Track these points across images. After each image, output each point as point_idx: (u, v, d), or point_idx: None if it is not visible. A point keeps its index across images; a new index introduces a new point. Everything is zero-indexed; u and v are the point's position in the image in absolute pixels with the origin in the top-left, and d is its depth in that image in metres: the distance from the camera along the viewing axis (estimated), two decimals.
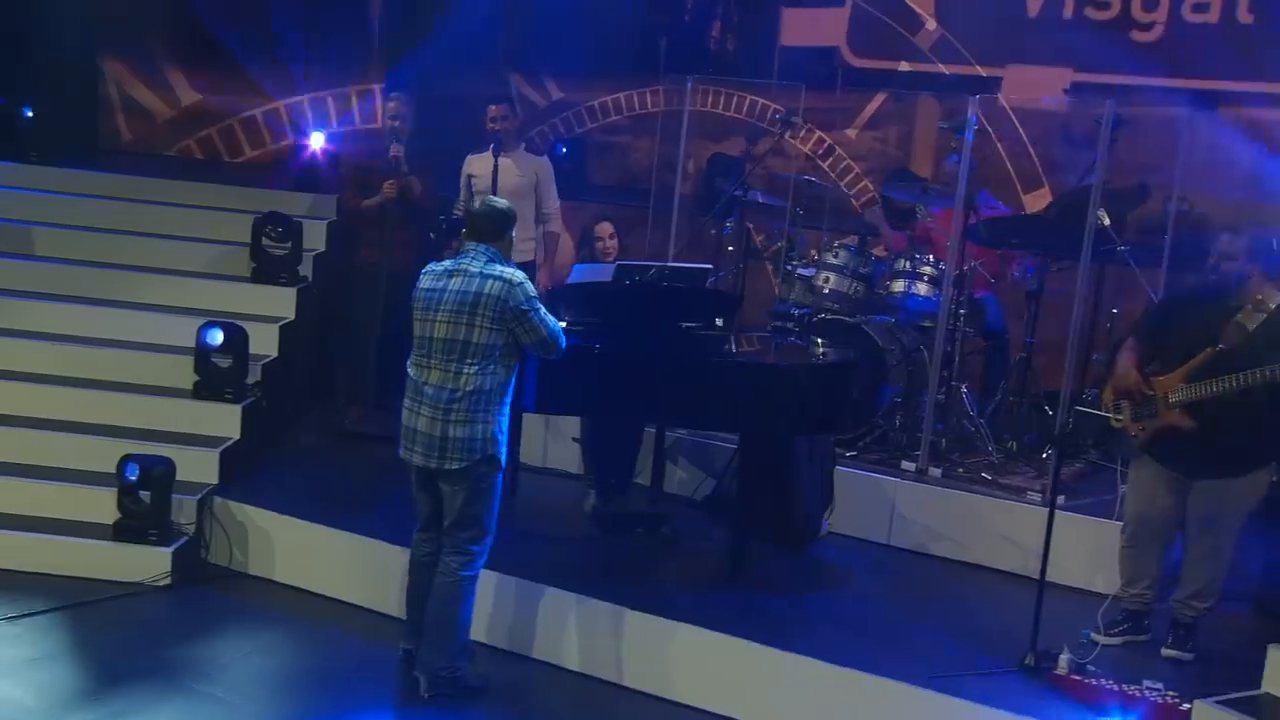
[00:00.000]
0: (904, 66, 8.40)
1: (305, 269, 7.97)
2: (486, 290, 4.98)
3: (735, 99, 8.57)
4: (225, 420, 6.85)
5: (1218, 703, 4.68)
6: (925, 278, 7.24)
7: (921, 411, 7.09)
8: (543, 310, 5.08)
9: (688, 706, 5.36)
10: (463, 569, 5.15)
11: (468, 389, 4.98)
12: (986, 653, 5.33)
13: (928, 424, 6.88)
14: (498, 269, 5.03)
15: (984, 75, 7.97)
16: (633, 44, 8.63)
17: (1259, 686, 4.79)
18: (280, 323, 7.54)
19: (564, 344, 5.16)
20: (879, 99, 8.52)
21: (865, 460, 7.02)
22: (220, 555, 6.36)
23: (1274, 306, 5.27)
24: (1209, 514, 5.39)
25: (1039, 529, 6.19)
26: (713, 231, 8.04)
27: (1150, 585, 5.59)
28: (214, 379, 6.93)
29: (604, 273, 6.44)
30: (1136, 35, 7.86)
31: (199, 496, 6.39)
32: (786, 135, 7.57)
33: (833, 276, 7.49)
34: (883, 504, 6.77)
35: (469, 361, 4.99)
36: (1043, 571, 5.25)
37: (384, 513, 6.28)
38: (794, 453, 6.50)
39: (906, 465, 6.90)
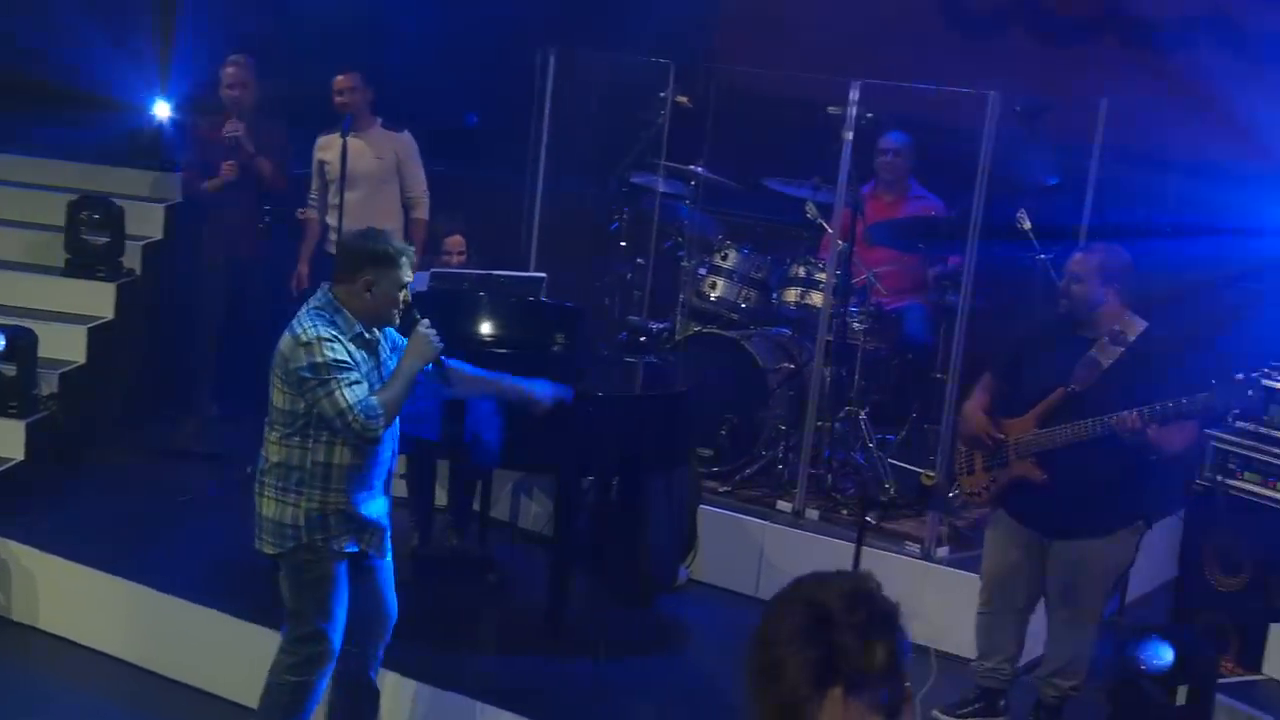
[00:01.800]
0: None
1: (133, 261, 8.07)
2: (280, 346, 4.65)
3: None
4: (5, 439, 6.95)
5: None
6: (822, 285, 7.20)
7: (814, 440, 7.07)
8: (336, 381, 4.53)
9: None
10: (288, 671, 4.84)
11: (272, 460, 4.72)
12: None
13: (804, 459, 6.85)
14: (302, 321, 4.61)
15: None
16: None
17: None
18: (92, 324, 7.63)
19: (371, 426, 4.56)
20: None
21: (738, 498, 7.01)
22: None
23: (1133, 339, 5.19)
24: (1068, 579, 5.31)
25: (919, 585, 6.27)
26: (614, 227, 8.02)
27: (1008, 659, 5.52)
28: None
29: (416, 281, 6.44)
30: None
31: None
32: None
33: (720, 282, 7.49)
34: (750, 550, 6.76)
35: (274, 428, 4.71)
36: None
37: (181, 555, 6.36)
38: (646, 489, 6.51)
39: (783, 505, 6.89)
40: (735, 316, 7.54)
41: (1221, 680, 4.95)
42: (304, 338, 4.58)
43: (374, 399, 4.59)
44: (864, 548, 6.37)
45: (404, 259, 4.71)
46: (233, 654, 5.78)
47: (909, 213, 7.42)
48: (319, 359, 4.55)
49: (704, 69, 7.25)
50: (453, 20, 8.49)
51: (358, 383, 4.58)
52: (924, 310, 7.52)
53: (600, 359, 6.64)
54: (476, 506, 6.82)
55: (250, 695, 5.11)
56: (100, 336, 7.63)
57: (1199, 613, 5.87)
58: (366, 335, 4.71)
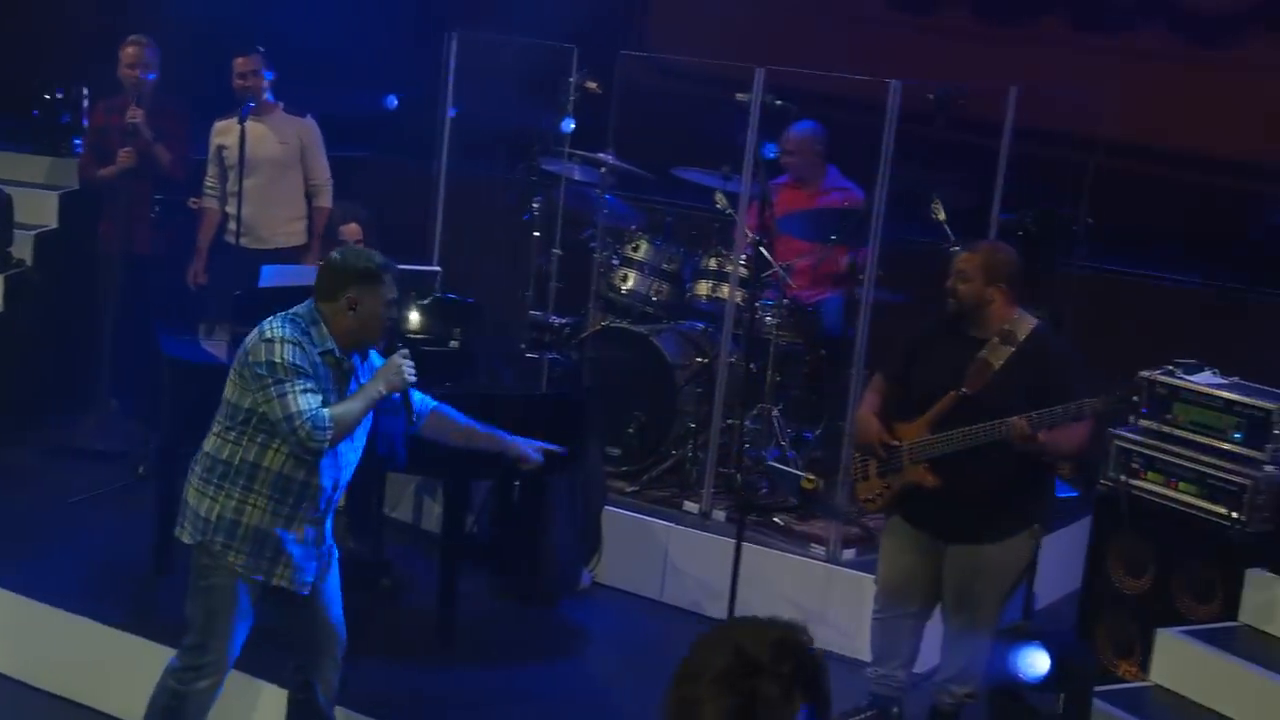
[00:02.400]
0: None
1: (23, 251, 8.12)
2: (246, 339, 4.72)
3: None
4: None
5: None
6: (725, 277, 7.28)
7: (722, 440, 7.18)
8: (291, 385, 4.55)
9: None
10: (172, 676, 4.88)
11: (205, 449, 4.78)
12: None
13: (711, 458, 6.96)
14: (274, 321, 4.67)
15: None
16: None
17: None
18: None
19: (316, 440, 4.57)
20: None
21: (646, 499, 7.12)
22: None
23: (1023, 339, 5.30)
24: (963, 584, 5.41)
25: (824, 589, 6.40)
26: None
27: (901, 666, 5.63)
28: None
29: (303, 275, 6.52)
30: None
31: None
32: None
33: (631, 274, 7.58)
34: (655, 553, 6.87)
35: (218, 419, 4.78)
36: None
37: (64, 562, 6.40)
38: (547, 491, 6.61)
39: (690, 506, 7.00)
40: (650, 310, 7.63)
41: (1103, 688, 5.08)
42: (268, 334, 4.63)
43: (326, 411, 4.59)
44: (769, 550, 6.61)
45: (387, 275, 4.70)
46: (113, 668, 5.84)
47: (824, 204, 7.52)
48: (277, 359, 4.58)
49: (611, 55, 7.28)
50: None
51: (312, 391, 4.60)
52: (842, 303, 7.62)
53: (498, 356, 6.71)
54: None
55: (132, 709, 5.19)
56: None
57: (1104, 616, 6.00)
58: (337, 354, 4.70)
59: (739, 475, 7.02)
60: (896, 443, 5.44)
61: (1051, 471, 5.56)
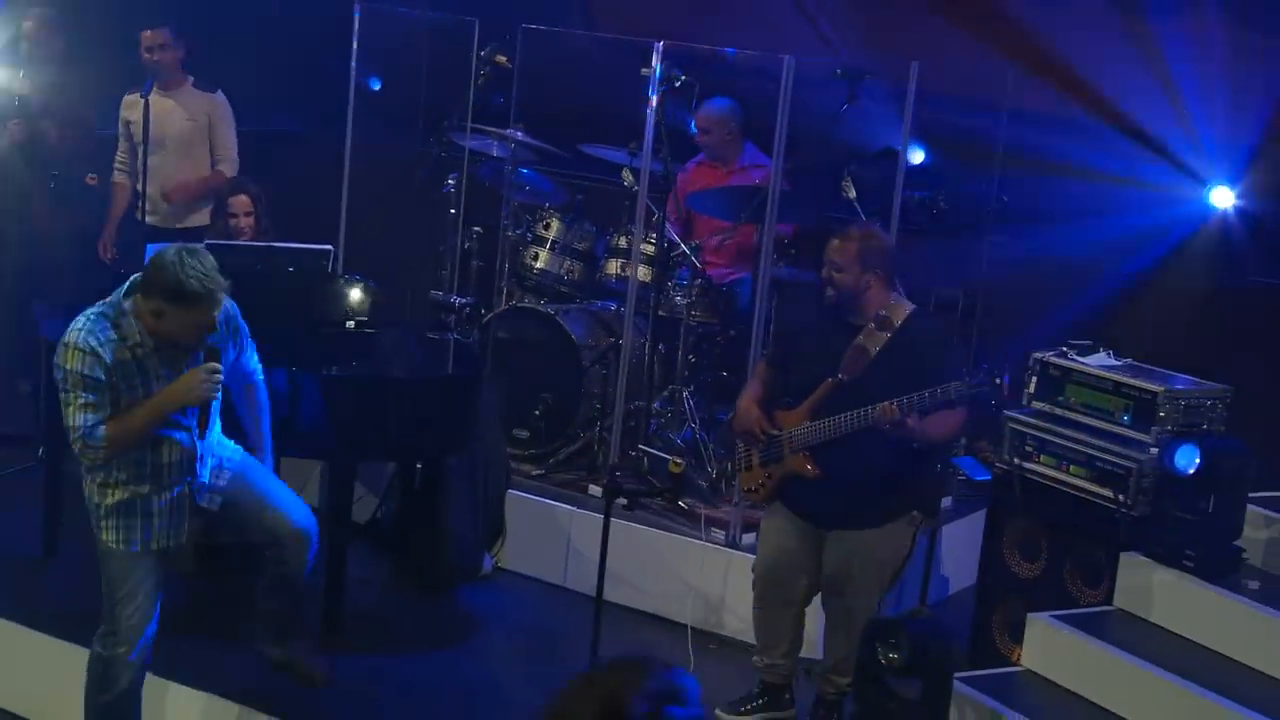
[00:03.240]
0: None
1: None
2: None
3: None
4: None
5: None
6: (645, 257, 7.51)
7: (633, 422, 7.43)
8: (76, 395, 4.78)
9: None
10: (97, 642, 5.23)
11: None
12: None
13: (615, 441, 7.20)
14: (76, 321, 4.86)
15: None
16: None
17: None
18: None
19: (88, 454, 4.88)
20: None
21: (552, 482, 7.36)
22: None
23: (899, 324, 5.53)
24: (841, 572, 5.64)
25: (724, 573, 6.65)
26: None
27: (787, 653, 5.88)
28: None
29: None
30: None
31: None
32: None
33: (542, 253, 7.82)
34: (559, 538, 7.12)
35: None
36: (596, 636, 5.53)
37: None
38: (445, 472, 6.85)
39: (595, 490, 7.23)
40: (564, 290, 7.87)
41: (970, 674, 5.33)
42: (66, 339, 4.83)
43: (102, 429, 4.81)
44: (670, 535, 6.86)
45: (207, 303, 4.77)
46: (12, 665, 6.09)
47: (738, 181, 7.74)
48: (67, 367, 4.79)
49: (513, 28, 7.50)
50: None
51: (92, 406, 4.79)
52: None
53: (408, 337, 6.93)
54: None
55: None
56: None
57: (999, 601, 6.24)
58: (150, 346, 4.86)
59: (645, 460, 7.27)
60: (776, 432, 5.67)
61: (933, 459, 5.79)
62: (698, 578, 6.72)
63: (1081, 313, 7.38)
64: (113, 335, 4.82)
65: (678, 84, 7.13)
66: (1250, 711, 4.77)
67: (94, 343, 4.78)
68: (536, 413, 7.53)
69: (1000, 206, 7.50)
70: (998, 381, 5.10)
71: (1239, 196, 7.77)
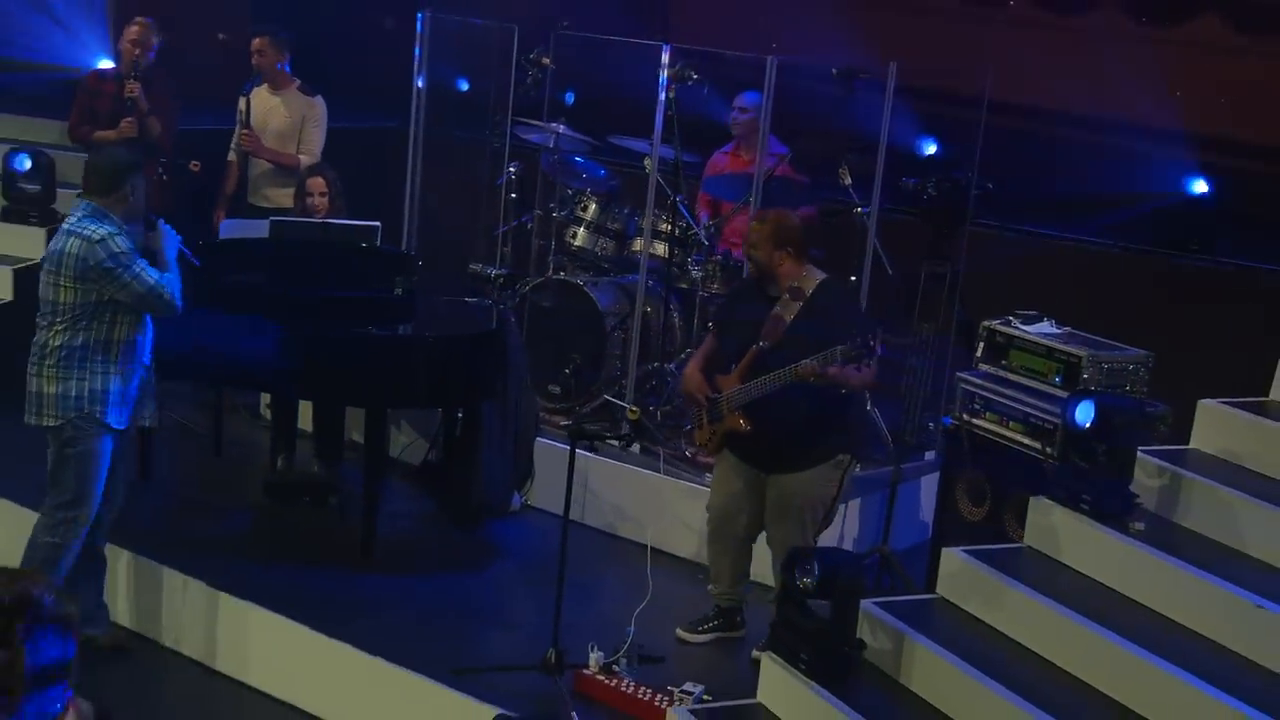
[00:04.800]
0: None
1: (66, 206, 8.76)
2: (67, 249, 5.43)
3: None
4: None
5: (694, 711, 5.17)
6: (663, 236, 7.65)
7: (655, 381, 7.59)
8: (137, 266, 5.41)
9: (240, 683, 6.05)
10: (46, 533, 5.60)
11: (55, 344, 5.49)
12: (572, 644, 5.71)
13: (629, 396, 7.36)
14: (85, 226, 5.42)
15: None
16: None
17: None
18: (18, 265, 8.35)
19: (176, 299, 5.51)
20: None
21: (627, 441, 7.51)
22: None
23: (810, 293, 5.63)
24: (779, 508, 5.80)
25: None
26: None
27: (736, 581, 6.03)
28: None
29: (258, 228, 7.07)
30: None
31: None
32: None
33: (580, 232, 8.00)
34: (577, 479, 7.26)
35: (58, 319, 5.50)
36: (561, 574, 5.70)
37: None
38: (479, 421, 7.07)
39: (613, 440, 7.40)
40: (603, 264, 8.05)
41: (885, 599, 5.41)
42: (95, 236, 5.40)
43: (167, 277, 5.53)
44: (674, 480, 7.01)
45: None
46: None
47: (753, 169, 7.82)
48: (117, 249, 5.41)
49: (547, 33, 7.70)
50: None
51: (149, 265, 5.49)
52: None
53: (431, 303, 7.18)
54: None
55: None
56: (27, 277, 8.29)
57: (951, 541, 6.26)
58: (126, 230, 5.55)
59: (658, 413, 7.43)
60: (716, 395, 5.82)
61: (852, 409, 5.88)
62: (692, 516, 6.83)
63: (1052, 286, 7.34)
64: (113, 224, 5.50)
65: (689, 81, 7.24)
66: (1127, 642, 4.79)
67: (111, 229, 5.46)
68: (567, 371, 7.70)
69: (985, 193, 7.48)
70: (871, 344, 5.20)
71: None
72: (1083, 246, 7.84)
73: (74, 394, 5.51)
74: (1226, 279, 7.55)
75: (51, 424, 5.55)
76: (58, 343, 5.51)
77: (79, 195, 5.68)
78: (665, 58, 7.02)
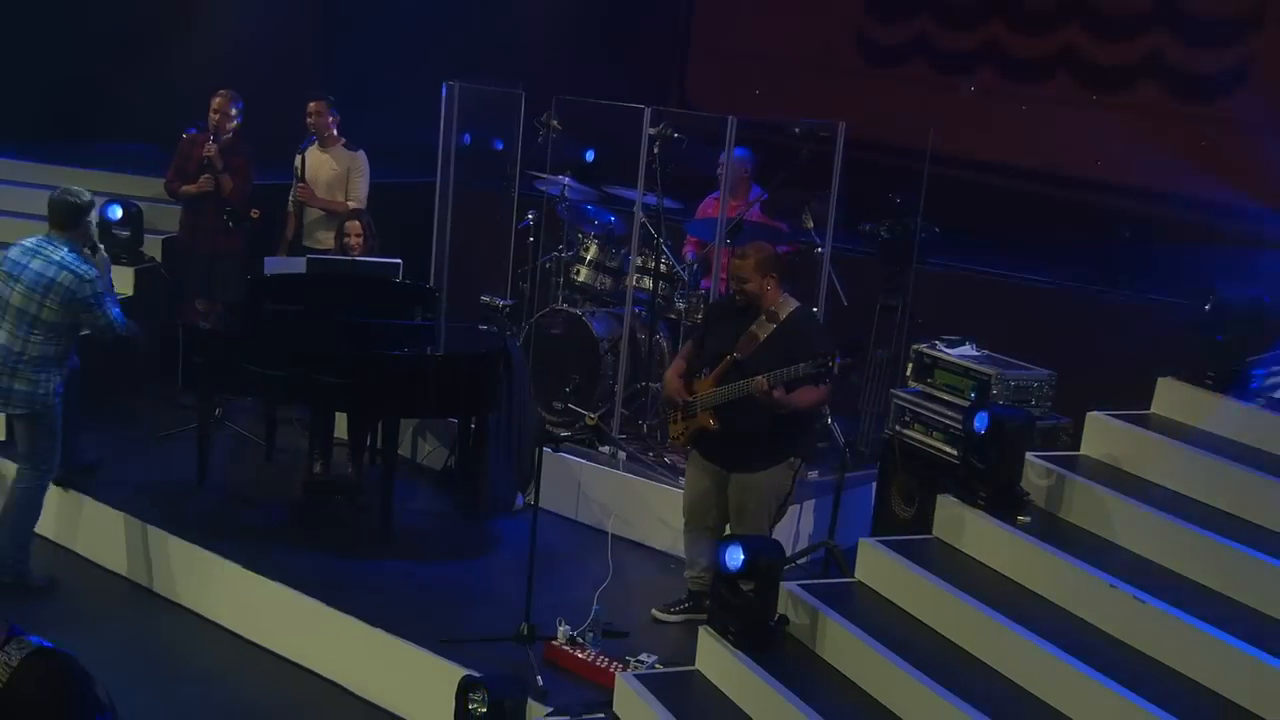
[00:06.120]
0: None
1: (154, 250, 9.22)
2: (59, 280, 6.19)
3: None
4: None
5: (637, 675, 5.39)
6: (651, 272, 7.91)
7: (643, 400, 7.85)
8: (107, 303, 6.32)
9: (243, 639, 6.43)
10: (40, 480, 6.56)
11: (33, 354, 6.27)
12: (550, 619, 5.97)
13: (616, 413, 7.63)
14: (72, 262, 6.21)
15: None
16: None
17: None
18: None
19: (122, 327, 6.39)
20: None
21: (575, 442, 7.80)
22: None
23: (784, 317, 5.86)
24: (739, 503, 6.02)
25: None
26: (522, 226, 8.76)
27: (706, 568, 6.22)
28: None
29: (297, 265, 7.43)
30: None
31: None
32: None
33: (583, 269, 8.29)
34: (572, 483, 7.58)
35: (35, 333, 6.25)
36: (531, 556, 5.95)
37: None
38: (488, 430, 7.36)
39: (604, 449, 7.67)
40: (609, 299, 8.32)
41: (808, 581, 5.61)
42: (86, 277, 6.25)
43: (116, 310, 6.41)
44: (649, 481, 7.24)
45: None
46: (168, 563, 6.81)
47: (740, 213, 8.05)
48: (99, 290, 6.29)
49: (549, 97, 8.02)
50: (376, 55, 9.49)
51: (115, 303, 6.43)
52: None
53: (444, 329, 7.50)
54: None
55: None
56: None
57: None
58: None
59: (645, 426, 7.68)
60: (691, 397, 6.06)
61: (806, 419, 6.09)
62: (673, 515, 7.05)
63: (988, 315, 7.52)
64: (93, 266, 6.33)
65: (672, 139, 7.52)
66: (1010, 621, 4.94)
67: (95, 271, 6.31)
68: (567, 389, 7.97)
69: (932, 236, 7.68)
70: (832, 364, 5.40)
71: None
72: (1015, 282, 8.00)
73: (39, 393, 6.33)
74: (1129, 309, 7.70)
75: (22, 411, 6.39)
76: (35, 353, 6.27)
77: (51, 229, 6.35)
78: (647, 117, 7.28)
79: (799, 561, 6.68)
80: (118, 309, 6.41)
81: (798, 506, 6.94)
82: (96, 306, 6.26)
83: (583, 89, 7.90)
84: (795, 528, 7.02)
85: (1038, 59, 9.42)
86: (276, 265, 7.50)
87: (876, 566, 5.52)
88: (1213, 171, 7.88)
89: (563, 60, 9.65)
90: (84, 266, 6.26)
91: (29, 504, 6.57)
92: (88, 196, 6.42)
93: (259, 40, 10.06)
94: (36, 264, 6.22)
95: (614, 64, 9.85)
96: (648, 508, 7.24)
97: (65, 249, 6.24)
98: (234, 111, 8.56)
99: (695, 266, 7.93)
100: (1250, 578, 4.72)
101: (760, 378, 5.63)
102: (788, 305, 5.92)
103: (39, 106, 9.96)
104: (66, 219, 6.29)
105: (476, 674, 5.23)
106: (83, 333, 6.50)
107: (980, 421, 5.39)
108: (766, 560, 5.17)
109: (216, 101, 8.58)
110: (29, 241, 6.35)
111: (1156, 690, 4.39)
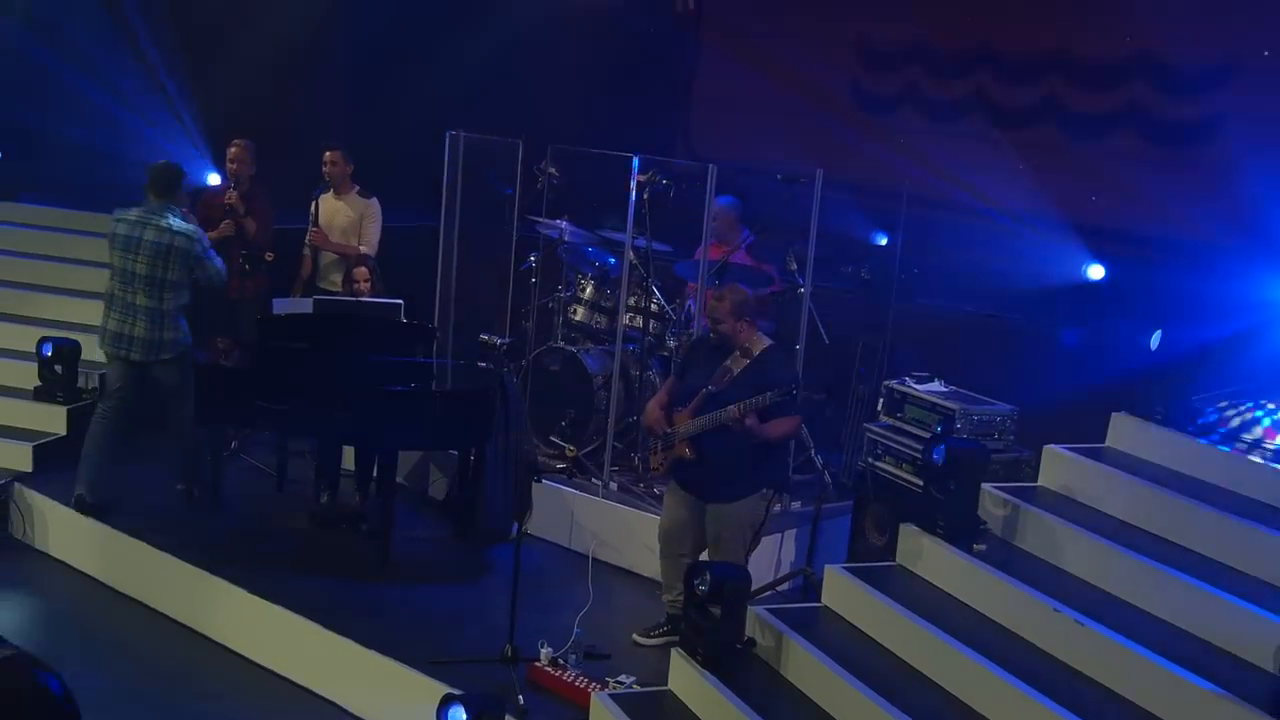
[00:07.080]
0: None
1: None
2: (176, 245, 7.10)
3: None
4: (53, 419, 8.36)
5: (612, 695, 5.53)
6: (644, 311, 8.09)
7: (635, 434, 8.01)
8: (212, 253, 7.26)
9: (247, 660, 6.58)
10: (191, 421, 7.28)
11: (169, 308, 7.17)
12: (532, 641, 6.11)
13: (608, 445, 7.79)
14: (181, 226, 7.11)
15: None
16: None
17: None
18: None
19: (225, 273, 7.41)
20: None
21: (556, 473, 7.96)
22: None
23: (757, 354, 6.03)
24: (714, 532, 6.16)
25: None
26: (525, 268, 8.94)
27: (683, 593, 6.35)
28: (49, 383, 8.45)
29: (304, 305, 7.64)
30: None
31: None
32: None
33: (580, 309, 8.47)
34: (565, 512, 7.73)
35: (168, 293, 7.15)
36: (515, 581, 6.10)
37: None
38: (484, 461, 7.53)
39: (597, 481, 7.82)
40: (604, 336, 8.49)
41: (776, 605, 5.73)
42: (195, 235, 7.19)
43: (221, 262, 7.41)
44: (638, 511, 7.38)
45: None
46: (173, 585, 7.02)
47: (733, 259, 8.22)
48: (206, 244, 7.24)
49: (545, 146, 8.23)
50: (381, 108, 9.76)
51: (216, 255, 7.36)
52: None
53: (469, 365, 7.70)
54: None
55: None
56: None
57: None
58: None
59: (636, 458, 7.82)
60: (670, 429, 6.22)
61: (777, 450, 6.23)
62: (650, 542, 7.19)
63: (964, 352, 7.64)
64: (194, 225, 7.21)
65: (660, 185, 7.70)
66: (962, 645, 5.07)
67: (195, 227, 7.25)
68: (563, 423, 8.13)
69: (910, 277, 7.82)
70: (794, 394, 5.55)
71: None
72: (992, 320, 8.11)
73: (181, 338, 7.25)
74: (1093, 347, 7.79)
75: (169, 357, 7.22)
76: (169, 306, 7.16)
77: (151, 196, 7.16)
78: (636, 165, 7.47)
79: (780, 588, 6.80)
80: (220, 259, 7.29)
81: (779, 535, 7.08)
82: (207, 259, 7.17)
83: (591, 139, 8.10)
84: (777, 555, 7.14)
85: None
86: (285, 306, 7.70)
87: (841, 592, 5.64)
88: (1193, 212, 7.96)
89: (577, 110, 9.82)
90: (190, 227, 7.14)
91: (189, 437, 7.39)
92: (178, 166, 7.32)
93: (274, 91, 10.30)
94: (150, 234, 7.04)
95: (621, 113, 10.03)
96: (635, 536, 7.37)
97: (169, 214, 7.03)
98: (248, 159, 8.79)
99: (690, 312, 8.07)
100: (1181, 600, 4.82)
101: (733, 407, 5.80)
102: (761, 343, 6.08)
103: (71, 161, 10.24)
104: (167, 186, 7.12)
105: (457, 692, 5.36)
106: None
107: (938, 453, 5.53)
108: (732, 586, 5.29)
109: (233, 151, 8.80)
110: (132, 214, 7.13)
111: (1094, 711, 4.48)
